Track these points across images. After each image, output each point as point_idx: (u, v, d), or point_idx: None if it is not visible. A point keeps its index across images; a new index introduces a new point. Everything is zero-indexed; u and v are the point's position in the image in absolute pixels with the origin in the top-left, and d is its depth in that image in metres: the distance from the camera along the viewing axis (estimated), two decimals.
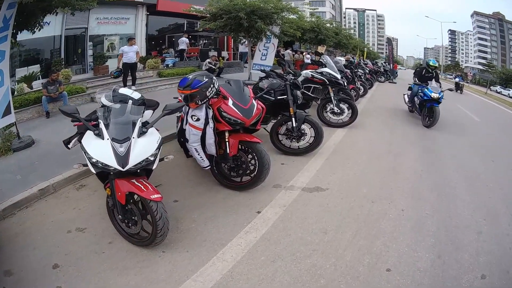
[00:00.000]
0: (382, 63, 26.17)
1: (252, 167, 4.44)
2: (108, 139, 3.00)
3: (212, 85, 4.13)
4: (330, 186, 4.80)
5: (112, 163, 2.89)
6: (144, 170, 3.22)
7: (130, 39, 11.55)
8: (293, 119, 5.79)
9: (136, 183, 2.99)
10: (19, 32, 7.02)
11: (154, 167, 3.21)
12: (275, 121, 6.17)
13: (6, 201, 4.08)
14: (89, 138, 3.10)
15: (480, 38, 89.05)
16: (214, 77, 4.26)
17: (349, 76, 11.58)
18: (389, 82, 22.75)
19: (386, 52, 49.53)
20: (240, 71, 18.97)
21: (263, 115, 4.68)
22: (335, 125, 8.00)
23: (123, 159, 2.92)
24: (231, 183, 4.62)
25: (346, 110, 7.94)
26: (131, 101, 3.64)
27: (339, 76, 7.93)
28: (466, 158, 6.64)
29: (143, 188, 2.94)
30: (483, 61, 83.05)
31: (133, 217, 3.16)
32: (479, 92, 32.68)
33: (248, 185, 4.49)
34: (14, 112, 6.14)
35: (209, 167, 4.49)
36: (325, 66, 8.10)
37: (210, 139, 4.23)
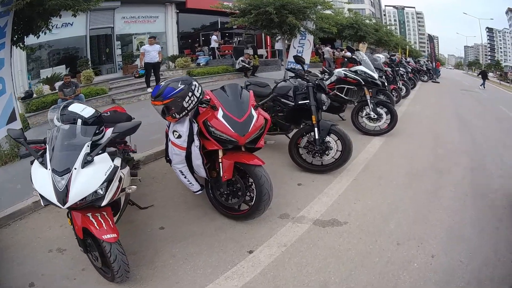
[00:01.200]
0: (424, 61, 24.39)
1: (251, 195, 3.52)
2: (49, 169, 2.43)
3: (190, 94, 3.25)
4: (350, 219, 3.77)
5: (52, 199, 2.34)
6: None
7: (150, 38, 11.16)
8: (316, 129, 4.79)
9: (91, 218, 2.51)
10: (25, 36, 6.84)
11: (104, 203, 2.52)
12: (297, 130, 5.24)
13: (2, 211, 3.90)
14: (36, 166, 2.55)
15: None
16: (194, 83, 3.37)
17: (390, 76, 10.53)
18: (432, 81, 21.11)
19: (428, 50, 46.80)
20: (277, 69, 18.14)
21: (267, 128, 3.64)
22: (371, 133, 6.94)
23: (62, 194, 2.34)
24: (226, 211, 3.73)
25: (384, 115, 6.83)
26: (81, 120, 2.90)
27: (376, 76, 6.84)
28: None
29: (96, 225, 2.47)
30: None
31: (93, 252, 2.69)
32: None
33: (245, 216, 3.60)
34: (28, 116, 6.36)
35: (201, 191, 3.68)
36: (360, 64, 7.04)
37: (197, 160, 3.43)
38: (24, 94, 10.09)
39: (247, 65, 15.15)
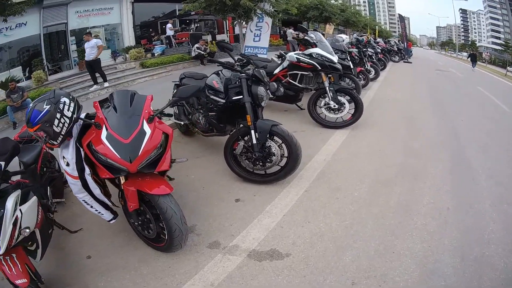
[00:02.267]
0: (395, 42, 23.29)
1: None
2: None
3: (59, 115, 2.36)
4: (293, 250, 2.76)
5: None
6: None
7: (85, 34, 10.40)
8: (252, 131, 3.63)
9: (3, 261, 2.11)
10: None
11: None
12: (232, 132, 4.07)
13: None
14: None
15: (492, 18, 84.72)
16: (63, 99, 2.42)
17: (356, 57, 9.37)
18: (404, 61, 20.08)
19: (398, 31, 46.13)
20: (237, 54, 16.57)
21: (169, 145, 2.68)
22: (332, 126, 5.77)
23: None
24: (148, 241, 2.89)
25: (346, 104, 5.62)
26: None
27: (335, 59, 5.60)
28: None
29: (7, 269, 2.11)
30: (497, 40, 78.76)
31: None
32: (498, 73, 27.49)
33: (163, 249, 2.78)
34: None
35: (114, 220, 2.89)
36: (316, 46, 5.76)
37: (96, 190, 2.69)
38: None
39: (202, 52, 14.11)
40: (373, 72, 10.77)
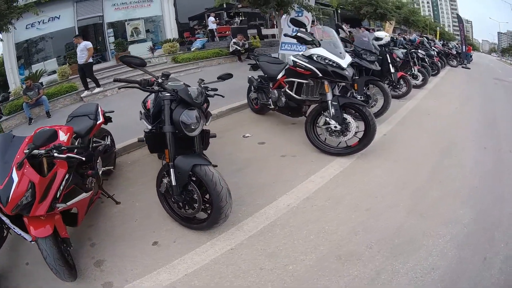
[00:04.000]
0: (455, 45, 20.33)
1: None
2: None
3: None
4: None
5: None
6: None
7: (75, 37, 9.70)
8: (172, 171, 2.71)
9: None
10: None
11: None
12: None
13: None
14: None
15: None
16: None
17: (399, 60, 7.56)
18: (462, 67, 17.33)
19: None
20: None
21: (39, 194, 2.22)
22: (333, 152, 4.32)
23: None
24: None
25: (353, 124, 4.11)
26: None
27: (343, 62, 4.07)
28: None
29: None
30: None
31: None
32: None
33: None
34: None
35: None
36: (319, 46, 4.25)
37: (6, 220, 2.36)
38: (1, 98, 10.17)
39: (239, 48, 12.82)
40: (420, 78, 8.83)
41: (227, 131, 5.19)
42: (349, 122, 4.10)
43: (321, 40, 4.38)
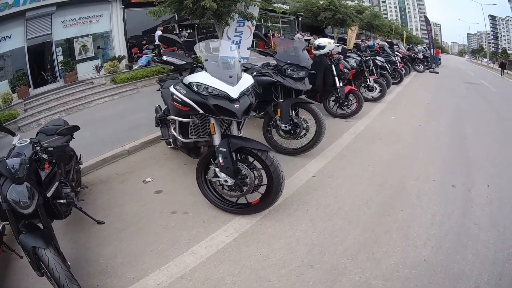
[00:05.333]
0: (421, 48, 19.25)
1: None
2: None
3: None
4: None
5: None
6: None
7: None
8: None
9: None
10: None
11: None
12: None
13: None
14: None
15: None
16: None
17: (347, 71, 6.25)
18: (430, 71, 16.23)
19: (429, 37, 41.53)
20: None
21: None
22: (232, 211, 3.15)
23: None
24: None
25: (250, 179, 2.85)
26: None
27: (233, 90, 2.75)
28: None
29: None
30: None
31: None
32: None
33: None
34: None
35: None
36: (199, 68, 3.13)
37: None
38: None
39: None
40: (377, 90, 7.47)
41: (131, 173, 4.25)
42: (245, 174, 2.80)
43: (218, 57, 3.07)
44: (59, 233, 2.70)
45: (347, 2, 16.59)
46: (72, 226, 3.06)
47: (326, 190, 3.42)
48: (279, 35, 19.29)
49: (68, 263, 2.15)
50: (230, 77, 2.77)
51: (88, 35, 13.02)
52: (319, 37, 12.27)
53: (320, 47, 5.87)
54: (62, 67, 12.13)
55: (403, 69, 11.80)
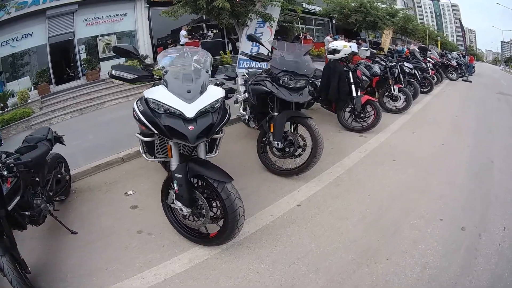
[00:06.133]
0: (455, 55, 18.06)
1: None
2: None
3: None
4: None
5: None
6: None
7: None
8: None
9: None
10: None
11: None
12: None
13: None
14: None
15: None
16: None
17: (364, 79, 5.72)
18: (463, 80, 15.19)
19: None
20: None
21: None
22: (193, 239, 2.84)
23: None
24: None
25: (205, 210, 2.59)
26: None
27: (189, 109, 2.37)
28: None
29: None
30: None
31: None
32: None
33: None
34: None
35: None
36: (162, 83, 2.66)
37: None
38: None
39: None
40: (401, 100, 6.82)
41: (117, 184, 4.05)
42: (201, 204, 2.51)
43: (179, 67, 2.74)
44: (34, 238, 2.87)
45: (378, 4, 15.74)
46: (48, 233, 3.01)
47: (305, 224, 2.92)
48: (311, 38, 18.67)
49: (29, 269, 2.21)
50: (188, 92, 2.38)
51: (112, 34, 13.09)
52: (346, 40, 11.62)
53: (334, 51, 5.29)
54: (85, 65, 12.25)
55: (434, 76, 11.01)
